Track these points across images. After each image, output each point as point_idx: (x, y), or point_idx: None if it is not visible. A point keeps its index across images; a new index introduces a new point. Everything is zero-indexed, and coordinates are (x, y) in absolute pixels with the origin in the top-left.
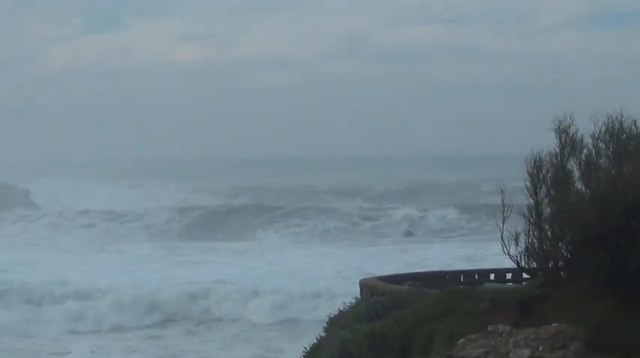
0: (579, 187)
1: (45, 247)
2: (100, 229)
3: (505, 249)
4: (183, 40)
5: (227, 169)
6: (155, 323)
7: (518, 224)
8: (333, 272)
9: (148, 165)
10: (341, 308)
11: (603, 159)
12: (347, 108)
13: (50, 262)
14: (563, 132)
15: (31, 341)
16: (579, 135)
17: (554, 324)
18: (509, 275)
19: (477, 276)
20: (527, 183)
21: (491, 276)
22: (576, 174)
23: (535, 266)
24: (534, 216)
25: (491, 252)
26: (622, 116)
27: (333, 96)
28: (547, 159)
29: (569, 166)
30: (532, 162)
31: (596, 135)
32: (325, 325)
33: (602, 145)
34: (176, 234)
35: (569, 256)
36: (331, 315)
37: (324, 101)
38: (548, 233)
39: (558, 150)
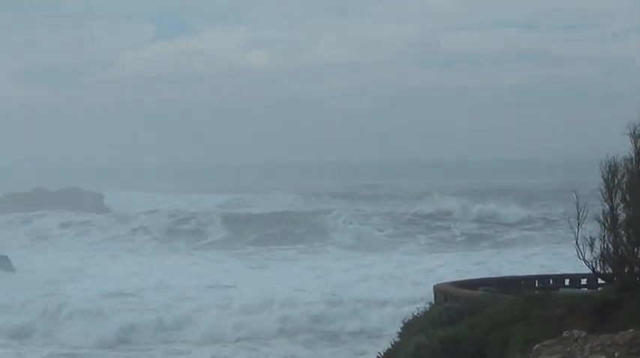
0: None
1: (124, 253)
2: (179, 235)
3: (580, 255)
4: (253, 46)
5: (298, 173)
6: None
7: (593, 229)
8: (412, 278)
9: (219, 170)
10: (415, 314)
11: None
12: (414, 113)
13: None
14: (638, 136)
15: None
16: None
17: (630, 330)
18: (584, 281)
19: (551, 282)
20: (602, 188)
21: (566, 282)
22: None
23: (610, 271)
24: (609, 221)
25: (565, 258)
26: None
27: (399, 101)
28: (622, 164)
29: None
30: (607, 167)
31: None
32: (399, 330)
33: None
34: (264, 239)
35: None
36: (405, 320)
37: (390, 106)
38: (624, 238)
39: (633, 155)
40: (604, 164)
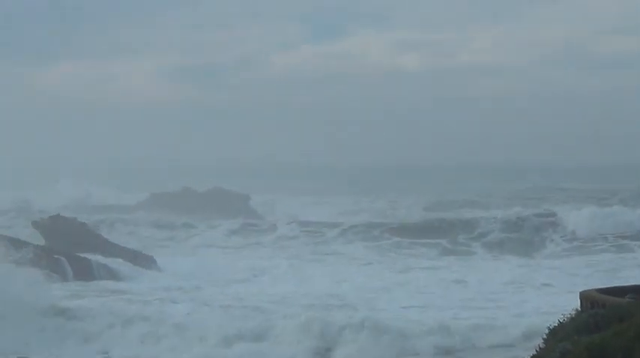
0: None
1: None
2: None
3: None
4: (404, 48)
5: (444, 175)
6: None
7: None
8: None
9: (365, 173)
10: (561, 320)
11: None
12: (564, 117)
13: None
14: None
15: None
16: None
17: None
18: None
19: None
20: None
21: None
22: None
23: None
24: None
25: None
26: None
27: (549, 103)
28: None
29: None
30: None
31: None
32: (544, 336)
33: None
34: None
35: None
36: (550, 327)
37: (540, 109)
38: None
39: None
40: None
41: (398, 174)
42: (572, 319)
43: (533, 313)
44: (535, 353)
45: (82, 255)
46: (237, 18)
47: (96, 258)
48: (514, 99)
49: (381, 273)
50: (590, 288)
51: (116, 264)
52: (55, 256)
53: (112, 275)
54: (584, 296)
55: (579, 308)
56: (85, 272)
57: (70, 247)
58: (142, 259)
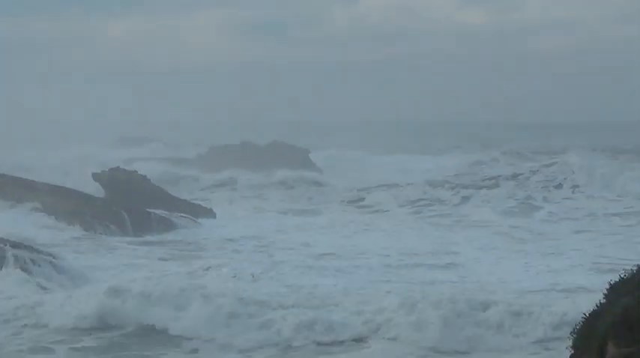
0: None
1: None
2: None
3: None
4: (467, 2)
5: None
6: None
7: None
8: None
9: (427, 128)
10: (621, 275)
11: None
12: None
13: None
14: None
15: None
16: None
17: None
18: None
19: None
20: None
21: None
22: None
23: None
24: None
25: None
26: None
27: (619, 60)
28: None
29: None
30: None
31: None
32: (605, 292)
33: None
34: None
35: None
36: (612, 282)
37: (610, 65)
38: None
39: None
40: None
41: (452, 129)
42: (634, 273)
43: None
44: (595, 308)
45: (142, 207)
46: None
47: (156, 211)
48: (579, 56)
49: None
50: None
51: (175, 217)
52: (115, 208)
53: (172, 227)
54: None
55: None
56: (144, 226)
57: (130, 200)
58: (202, 212)
